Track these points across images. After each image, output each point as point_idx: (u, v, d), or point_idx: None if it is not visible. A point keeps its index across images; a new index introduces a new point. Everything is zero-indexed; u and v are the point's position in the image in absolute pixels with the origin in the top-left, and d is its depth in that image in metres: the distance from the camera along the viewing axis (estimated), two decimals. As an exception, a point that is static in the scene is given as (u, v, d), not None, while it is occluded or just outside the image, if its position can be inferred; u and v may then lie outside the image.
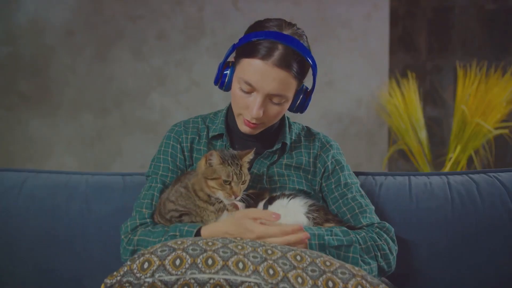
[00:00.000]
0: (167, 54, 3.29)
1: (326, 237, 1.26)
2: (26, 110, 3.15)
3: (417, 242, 1.55)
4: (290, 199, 1.31)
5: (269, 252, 1.08)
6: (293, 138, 1.47)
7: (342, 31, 3.47)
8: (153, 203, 1.37)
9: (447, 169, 3.08)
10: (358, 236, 1.32)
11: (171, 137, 1.46)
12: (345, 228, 1.32)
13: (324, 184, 1.44)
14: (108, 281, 1.02)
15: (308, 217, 1.30)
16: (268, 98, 1.31)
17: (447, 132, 3.55)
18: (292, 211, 1.29)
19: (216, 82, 1.41)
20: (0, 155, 3.15)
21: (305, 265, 1.07)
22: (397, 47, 3.70)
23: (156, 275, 1.01)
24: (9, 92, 3.13)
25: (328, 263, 1.08)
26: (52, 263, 1.55)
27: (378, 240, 1.33)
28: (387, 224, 1.38)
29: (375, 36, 3.53)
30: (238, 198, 1.25)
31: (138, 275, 1.02)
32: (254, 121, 1.34)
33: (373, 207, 1.43)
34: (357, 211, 1.39)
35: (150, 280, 1.01)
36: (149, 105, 3.30)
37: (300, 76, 1.33)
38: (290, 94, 1.34)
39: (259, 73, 1.28)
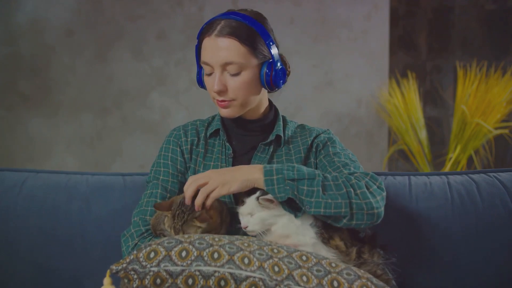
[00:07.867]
0: (167, 54, 3.28)
1: (285, 171, 1.25)
2: (26, 110, 3.15)
3: (417, 242, 1.54)
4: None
5: (275, 251, 1.09)
6: (289, 133, 1.48)
7: (342, 31, 3.46)
8: None
9: (447, 169, 3.08)
10: (328, 176, 1.28)
11: (171, 141, 1.47)
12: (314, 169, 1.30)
13: (317, 161, 1.43)
14: (114, 267, 1.03)
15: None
16: (225, 70, 1.34)
17: (447, 132, 3.56)
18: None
19: (198, 83, 1.45)
20: (0, 155, 3.15)
21: (310, 265, 1.08)
22: (397, 47, 3.70)
23: (162, 265, 1.02)
24: (9, 92, 3.13)
25: (333, 264, 1.10)
26: (52, 263, 1.55)
27: (353, 179, 1.26)
28: (373, 174, 1.31)
29: (375, 36, 3.53)
30: None
31: (144, 263, 1.03)
32: (221, 98, 1.36)
33: (361, 166, 1.38)
34: (341, 168, 1.36)
35: (155, 269, 1.02)
36: (149, 105, 3.30)
37: (249, 43, 1.33)
38: (244, 61, 1.33)
39: (208, 48, 1.35)
